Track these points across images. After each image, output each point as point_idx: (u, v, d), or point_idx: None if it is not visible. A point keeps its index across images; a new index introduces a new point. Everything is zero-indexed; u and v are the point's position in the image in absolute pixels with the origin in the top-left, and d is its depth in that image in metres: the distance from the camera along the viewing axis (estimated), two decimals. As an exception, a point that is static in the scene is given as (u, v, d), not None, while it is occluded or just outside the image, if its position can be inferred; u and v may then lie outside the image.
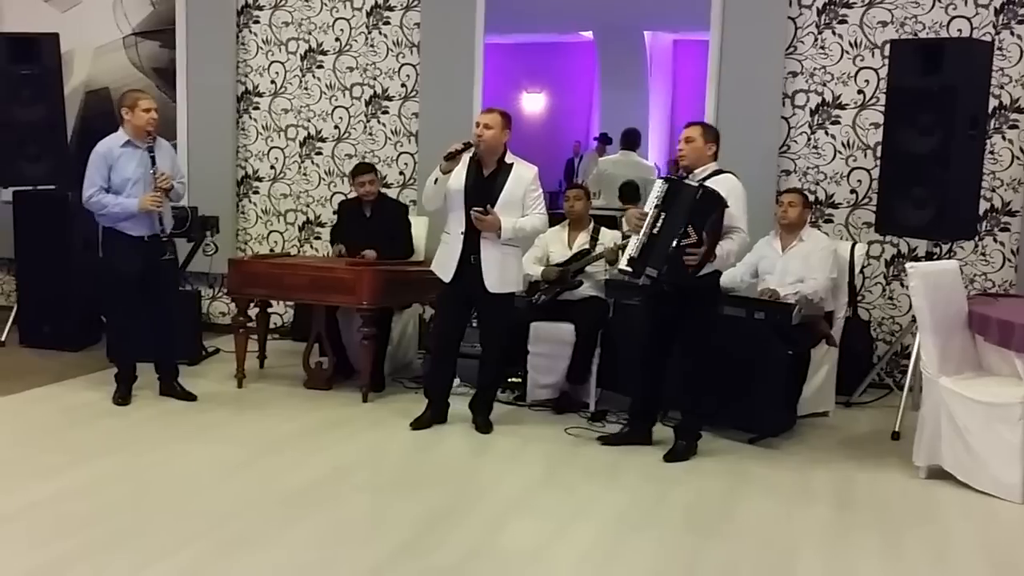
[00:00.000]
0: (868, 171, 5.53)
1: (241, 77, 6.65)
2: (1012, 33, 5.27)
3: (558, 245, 5.25)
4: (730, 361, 4.46)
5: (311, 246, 6.62)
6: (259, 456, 4.21)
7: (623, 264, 4.21)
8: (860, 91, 5.53)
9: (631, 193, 6.01)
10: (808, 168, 5.65)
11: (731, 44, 5.58)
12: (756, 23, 5.53)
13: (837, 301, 4.96)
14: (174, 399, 4.95)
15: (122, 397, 4.86)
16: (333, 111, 6.50)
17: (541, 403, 5.09)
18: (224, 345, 5.98)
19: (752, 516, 3.68)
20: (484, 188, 4.44)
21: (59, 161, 6.18)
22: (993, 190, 5.37)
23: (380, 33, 6.34)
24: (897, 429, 4.71)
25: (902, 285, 5.49)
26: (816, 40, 5.57)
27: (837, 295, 4.95)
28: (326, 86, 6.49)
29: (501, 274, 4.48)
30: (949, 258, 5.23)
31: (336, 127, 6.51)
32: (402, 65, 6.32)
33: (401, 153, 6.37)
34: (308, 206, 6.63)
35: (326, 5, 6.43)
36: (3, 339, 6.17)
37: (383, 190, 5.71)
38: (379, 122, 6.41)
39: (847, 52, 5.53)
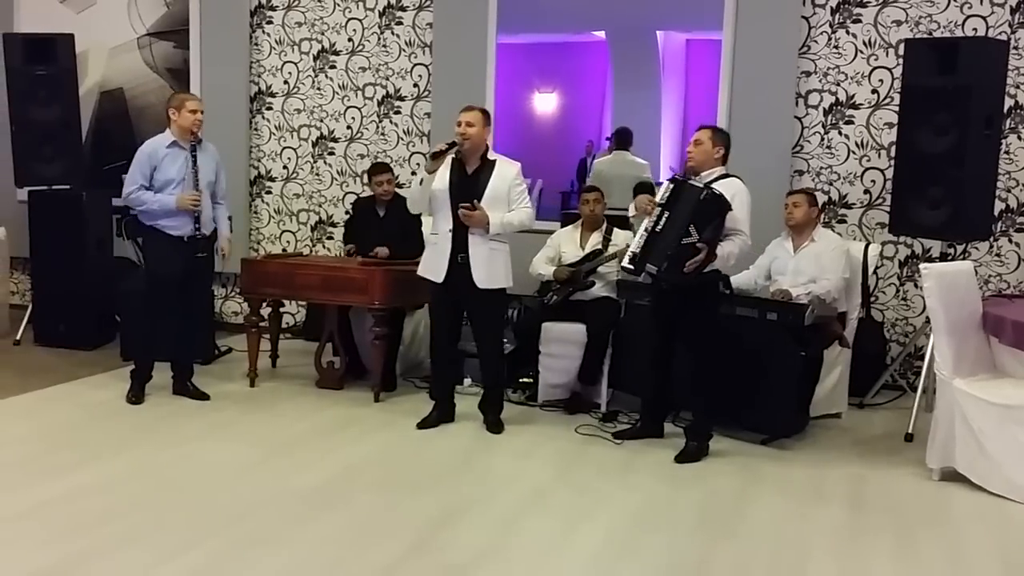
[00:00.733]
0: (882, 171, 5.51)
1: (254, 77, 6.67)
2: (1028, 32, 5.24)
3: (571, 245, 5.25)
4: (743, 362, 4.46)
5: (323, 246, 6.64)
6: (271, 455, 4.22)
7: (625, 261, 4.25)
8: (874, 91, 5.51)
9: (645, 192, 5.98)
10: (821, 168, 5.63)
11: (744, 44, 5.56)
12: (769, 23, 5.51)
13: (850, 302, 4.94)
14: (187, 398, 4.97)
15: (136, 396, 4.89)
16: (346, 111, 6.52)
17: (552, 403, 5.09)
18: (237, 344, 6.01)
19: (764, 517, 3.67)
20: (469, 186, 4.46)
21: (74, 161, 6.22)
22: (1008, 190, 5.34)
23: (392, 33, 6.35)
24: (910, 431, 4.69)
25: (916, 286, 5.46)
26: (830, 39, 5.54)
27: (850, 296, 4.93)
28: (339, 86, 6.51)
29: (489, 270, 4.48)
30: (964, 259, 5.20)
31: (348, 127, 6.53)
32: (414, 65, 6.33)
33: (413, 153, 6.38)
34: (320, 206, 6.65)
35: (339, 5, 6.45)
36: (18, 338, 6.22)
37: (396, 190, 5.72)
38: (391, 122, 6.43)
39: (861, 52, 5.50)
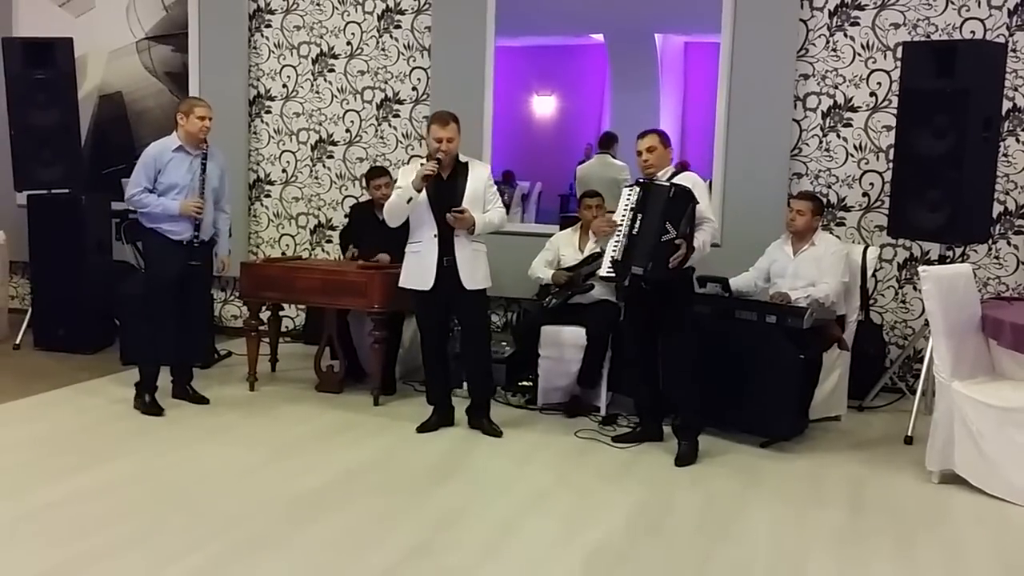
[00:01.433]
0: (880, 174, 5.51)
1: (253, 81, 6.68)
2: (1026, 35, 5.25)
3: (569, 249, 5.26)
4: (742, 365, 4.47)
5: (323, 249, 6.64)
6: (271, 459, 4.23)
7: (604, 271, 4.34)
8: (872, 93, 5.52)
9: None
10: (820, 171, 5.63)
11: (742, 47, 5.57)
12: (767, 26, 5.52)
13: (849, 305, 4.94)
14: (187, 402, 4.97)
15: (151, 407, 4.78)
16: (344, 115, 6.52)
17: (552, 407, 5.09)
18: (236, 348, 6.01)
19: (764, 519, 3.67)
20: (447, 190, 4.50)
21: (73, 165, 6.22)
22: (1007, 193, 5.34)
23: (391, 37, 6.36)
24: (910, 433, 4.69)
25: (915, 288, 5.47)
26: (828, 42, 5.55)
27: (849, 299, 4.94)
28: (337, 90, 6.51)
29: (474, 271, 4.55)
30: (962, 261, 5.21)
31: (347, 131, 6.53)
32: (413, 69, 6.33)
33: (412, 156, 6.38)
34: (319, 209, 6.65)
35: (337, 9, 6.45)
36: (18, 342, 6.22)
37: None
38: (390, 126, 6.43)
39: (859, 54, 5.51)
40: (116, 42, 6.87)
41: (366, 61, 6.43)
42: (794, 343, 4.44)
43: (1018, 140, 5.31)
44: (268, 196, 6.76)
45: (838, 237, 5.27)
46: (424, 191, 4.47)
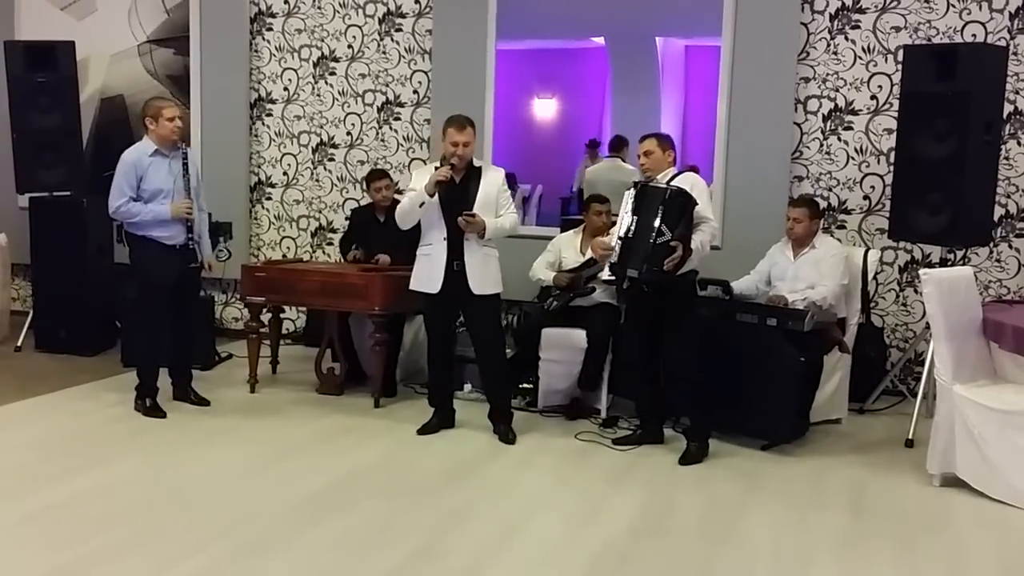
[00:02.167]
0: (881, 177, 5.51)
1: (254, 84, 6.68)
2: (1027, 38, 5.25)
3: (571, 251, 5.26)
4: (743, 368, 4.47)
5: (324, 252, 6.65)
6: (272, 461, 4.22)
7: (605, 274, 4.34)
8: (873, 97, 5.52)
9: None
10: (821, 174, 5.63)
11: (743, 50, 5.57)
12: (768, 29, 5.52)
13: (850, 307, 4.94)
14: (188, 404, 4.97)
15: (153, 410, 4.79)
16: (345, 118, 6.53)
17: (553, 409, 5.09)
18: (237, 350, 6.01)
19: (765, 522, 3.66)
20: (459, 194, 4.48)
21: (75, 168, 6.23)
22: (1008, 196, 5.34)
23: (392, 40, 6.37)
24: (911, 436, 4.69)
25: (916, 291, 5.47)
26: (829, 46, 5.55)
27: (850, 301, 4.94)
28: (339, 93, 6.52)
29: (484, 276, 4.51)
30: (963, 264, 5.21)
31: (348, 133, 6.54)
32: (414, 72, 6.34)
33: (413, 159, 6.39)
34: (320, 212, 6.65)
35: (339, 12, 6.46)
36: (19, 344, 6.22)
37: (396, 196, 5.72)
38: (391, 128, 6.44)
39: (860, 58, 5.51)
40: (118, 45, 6.87)
41: (367, 64, 6.43)
42: (795, 346, 4.44)
43: (1019, 143, 5.31)
44: (269, 199, 6.76)
45: (839, 240, 5.27)
46: (438, 195, 4.44)
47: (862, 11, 5.49)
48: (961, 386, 4.05)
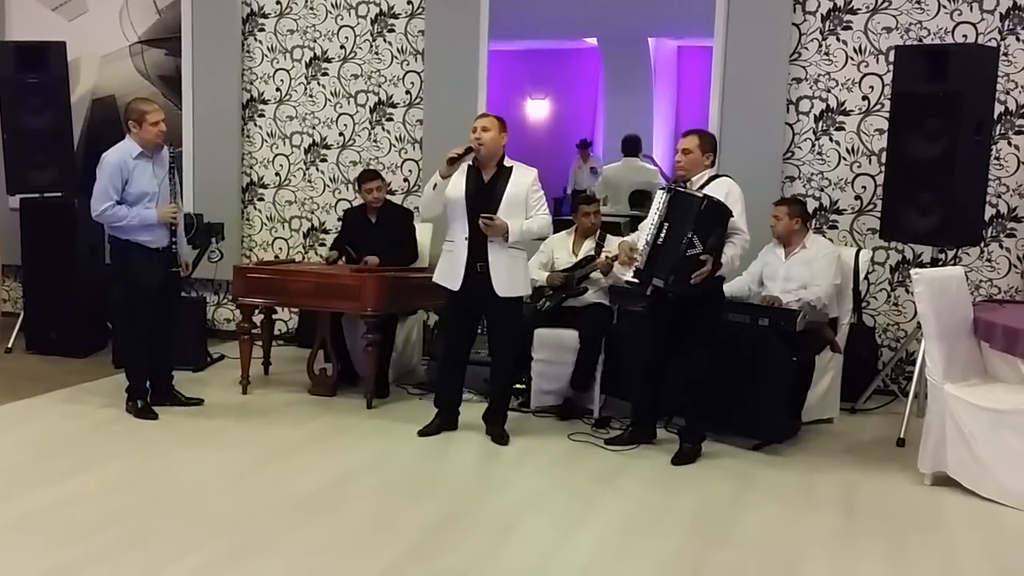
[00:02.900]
0: (873, 177, 5.53)
1: (246, 85, 6.67)
2: (1018, 39, 5.26)
3: (563, 252, 5.26)
4: (734, 367, 4.47)
5: (316, 253, 6.64)
6: (265, 462, 4.22)
7: (630, 275, 4.24)
8: (865, 97, 5.53)
9: (641, 201, 6.02)
10: (812, 174, 5.65)
11: (735, 50, 5.58)
12: (760, 29, 5.54)
13: (842, 307, 4.96)
14: (176, 406, 4.91)
15: (144, 410, 4.76)
16: (338, 118, 6.52)
17: (545, 409, 5.09)
18: (229, 351, 6.00)
19: (757, 522, 3.67)
20: (485, 194, 4.42)
21: (66, 169, 6.20)
22: (999, 196, 5.36)
23: (385, 40, 6.36)
24: (902, 436, 4.70)
25: (907, 291, 5.48)
26: (820, 46, 5.57)
27: (842, 301, 4.95)
28: (331, 93, 6.51)
29: (510, 278, 4.44)
30: (954, 264, 5.23)
31: (341, 134, 6.53)
32: (406, 72, 6.33)
33: (405, 160, 6.38)
34: (313, 213, 6.64)
35: (331, 13, 6.45)
36: (10, 345, 6.20)
37: (388, 197, 5.72)
38: (384, 129, 6.43)
39: (851, 58, 5.53)
40: (109, 46, 6.85)
41: (359, 65, 6.43)
42: (787, 345, 4.45)
43: (1010, 143, 5.33)
44: (261, 199, 6.75)
45: (830, 240, 5.28)
46: (463, 191, 4.41)
47: (853, 12, 5.50)
48: (952, 385, 4.06)
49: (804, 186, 5.64)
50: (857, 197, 5.60)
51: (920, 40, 5.37)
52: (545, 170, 6.10)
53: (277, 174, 6.70)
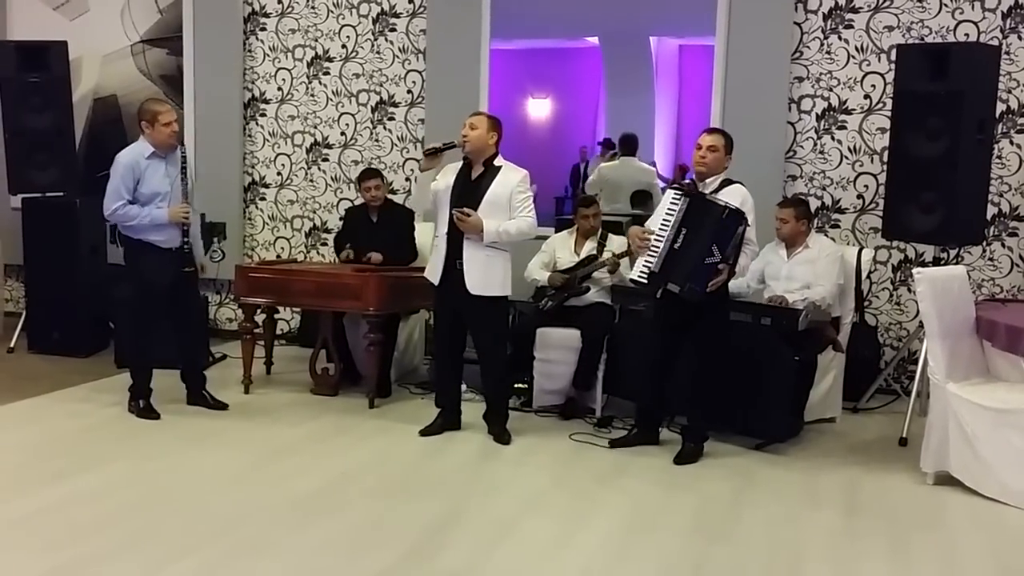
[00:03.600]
0: (875, 176, 5.52)
1: (248, 84, 6.67)
2: (1020, 37, 5.26)
3: (565, 251, 5.26)
4: (737, 366, 4.46)
5: (318, 252, 6.64)
6: (267, 461, 4.22)
7: (636, 274, 4.22)
8: (867, 96, 5.53)
9: (643, 200, 6.01)
10: (814, 173, 5.64)
11: (737, 49, 5.58)
12: (762, 28, 5.53)
13: (844, 306, 4.95)
14: (206, 408, 4.91)
15: (146, 410, 4.77)
16: (339, 117, 6.52)
17: (547, 409, 5.09)
18: (231, 351, 6.00)
19: (759, 521, 3.67)
20: (470, 190, 4.43)
21: (67, 168, 6.21)
22: (1001, 195, 5.36)
23: (386, 40, 6.36)
24: (904, 435, 4.70)
25: (909, 290, 5.48)
26: (822, 45, 5.56)
27: (844, 300, 4.95)
28: (332, 92, 6.51)
29: (484, 276, 4.41)
30: (957, 263, 5.23)
31: (343, 133, 6.53)
32: (408, 71, 6.33)
33: (407, 159, 6.38)
34: (315, 212, 6.65)
35: (332, 12, 6.45)
36: (12, 345, 6.20)
37: (389, 196, 5.72)
38: (385, 128, 6.43)
39: (853, 57, 5.52)
40: (111, 45, 6.86)
41: (361, 64, 6.43)
42: (789, 345, 4.44)
43: (1012, 142, 5.33)
44: (263, 199, 6.75)
45: (832, 239, 5.28)
46: (450, 185, 4.42)
47: (855, 10, 5.50)
48: (954, 384, 4.06)
49: (806, 185, 5.64)
50: (859, 196, 5.59)
51: (922, 39, 5.37)
52: (546, 169, 6.08)
53: (279, 173, 6.70)
